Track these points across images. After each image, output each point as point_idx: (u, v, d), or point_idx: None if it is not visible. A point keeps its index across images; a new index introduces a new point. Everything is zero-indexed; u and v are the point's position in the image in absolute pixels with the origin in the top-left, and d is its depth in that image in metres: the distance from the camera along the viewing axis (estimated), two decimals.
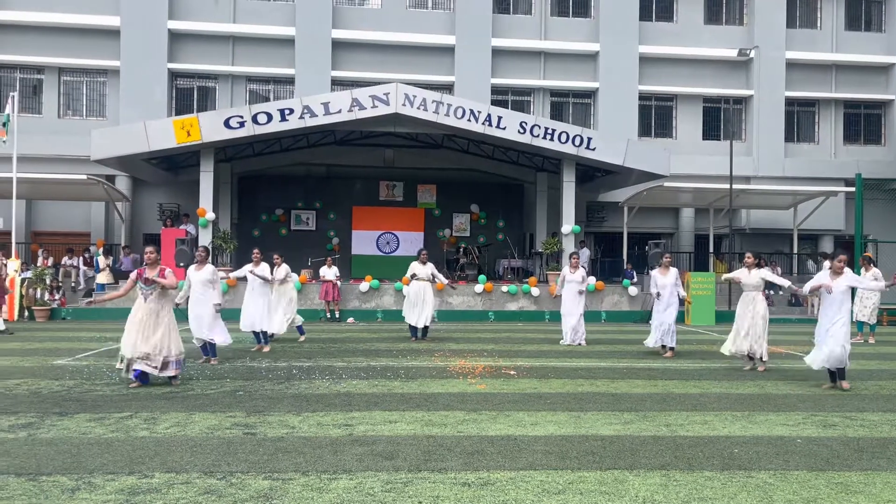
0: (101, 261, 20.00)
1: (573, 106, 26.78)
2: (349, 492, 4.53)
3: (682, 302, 12.44)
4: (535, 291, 19.53)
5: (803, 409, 7.42)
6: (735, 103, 27.27)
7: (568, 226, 20.36)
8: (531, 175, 23.95)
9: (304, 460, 5.23)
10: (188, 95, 25.21)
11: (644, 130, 26.68)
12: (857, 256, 16.14)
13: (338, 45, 24.97)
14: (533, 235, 24.00)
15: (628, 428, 6.39)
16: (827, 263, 16.51)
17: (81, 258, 21.44)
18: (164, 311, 8.36)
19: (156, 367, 8.15)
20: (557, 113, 26.42)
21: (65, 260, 21.37)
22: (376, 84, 19.81)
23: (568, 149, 19.44)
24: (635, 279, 20.75)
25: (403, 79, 22.64)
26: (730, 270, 21.78)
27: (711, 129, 27.26)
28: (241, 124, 18.21)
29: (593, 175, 23.24)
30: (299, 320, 13.34)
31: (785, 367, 10.59)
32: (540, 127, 19.28)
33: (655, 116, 27.07)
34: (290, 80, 25.17)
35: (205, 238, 19.07)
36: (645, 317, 18.73)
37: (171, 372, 8.31)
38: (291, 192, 24.29)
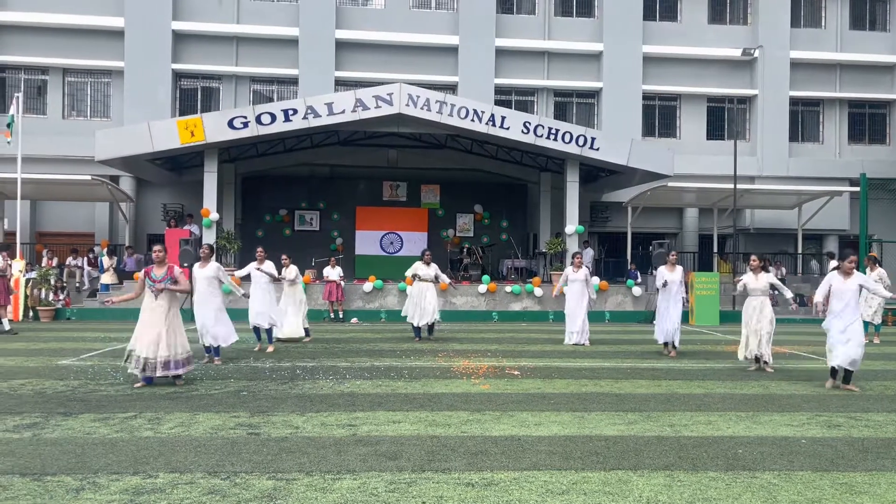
0: (106, 261, 20.05)
1: (577, 106, 26.76)
2: (353, 492, 4.53)
3: (685, 301, 12.43)
4: (538, 292, 19.52)
5: (808, 409, 7.40)
6: (739, 103, 27.23)
7: (571, 226, 20.34)
8: (535, 175, 23.93)
9: (308, 460, 5.23)
10: (192, 96, 25.25)
11: (648, 130, 26.66)
12: (862, 256, 16.08)
13: (341, 45, 25.00)
14: (536, 235, 23.98)
15: (632, 428, 6.38)
16: (833, 263, 16.53)
17: (86, 258, 21.50)
18: (172, 309, 8.40)
19: (163, 366, 8.18)
20: (561, 113, 26.40)
21: (69, 260, 21.43)
22: (380, 84, 19.82)
23: (571, 149, 19.42)
24: (639, 279, 20.72)
25: (407, 79, 22.66)
26: (733, 270, 21.81)
27: (715, 129, 27.21)
28: (245, 125, 18.23)
29: (597, 175, 23.21)
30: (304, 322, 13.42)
31: (789, 367, 10.57)
32: (543, 127, 19.26)
33: (659, 116, 27.04)
34: (293, 81, 25.19)
35: (208, 238, 19.08)
36: (649, 317, 18.71)
37: (178, 370, 8.34)
38: (295, 192, 24.31)
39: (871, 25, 27.70)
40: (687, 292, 16.41)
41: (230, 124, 18.24)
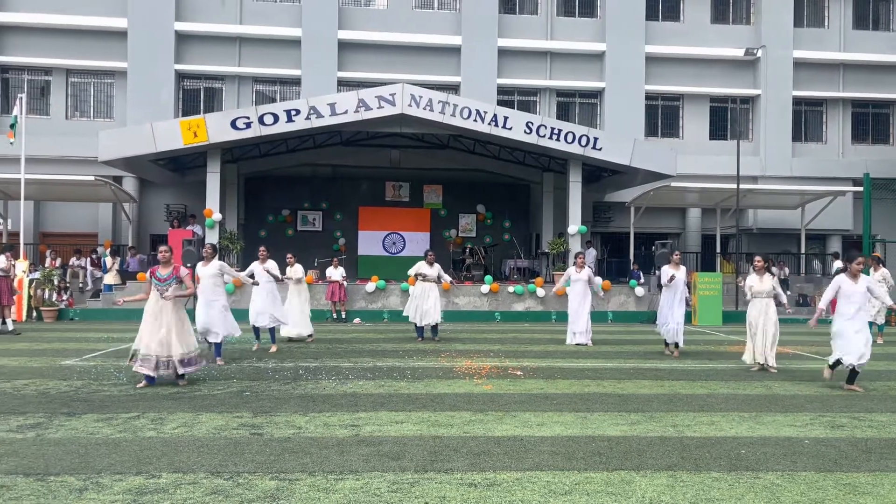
0: (109, 261, 20.08)
1: (579, 106, 26.74)
2: (356, 492, 4.54)
3: (687, 301, 12.42)
4: (541, 292, 19.50)
5: (811, 409, 7.39)
6: (742, 103, 27.20)
7: (574, 226, 20.33)
8: (537, 175, 23.93)
9: (311, 461, 5.24)
10: (195, 96, 25.28)
11: (650, 130, 26.64)
12: (866, 256, 16.03)
13: (344, 45, 25.01)
14: (539, 236, 23.97)
15: (635, 429, 6.38)
16: (837, 263, 16.50)
17: (89, 259, 21.53)
18: (178, 308, 8.43)
19: (180, 363, 8.22)
20: (564, 113, 26.39)
21: (73, 261, 21.47)
22: (382, 85, 19.83)
23: (574, 149, 19.41)
24: (642, 279, 20.70)
25: (409, 79, 22.66)
26: (737, 270, 21.76)
27: (718, 129, 27.18)
28: (248, 125, 18.24)
29: (600, 175, 23.20)
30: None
31: (792, 367, 10.55)
32: (546, 127, 19.25)
33: (662, 116, 27.02)
34: (296, 81, 25.21)
35: (211, 239, 19.10)
36: (653, 318, 18.69)
37: (189, 368, 8.37)
38: (298, 192, 24.32)
39: (874, 25, 27.65)
40: (690, 293, 16.37)
41: (233, 125, 18.26)
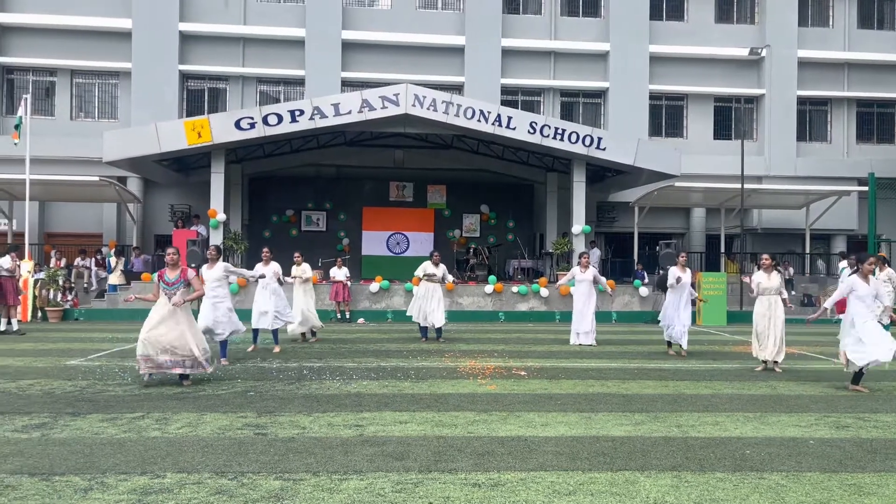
0: (114, 262, 20.13)
1: (583, 106, 26.73)
2: (360, 492, 4.54)
3: (693, 302, 12.39)
4: (545, 292, 19.49)
5: (816, 410, 7.37)
6: (746, 102, 27.15)
7: (578, 226, 20.31)
8: (541, 175, 23.92)
9: (315, 461, 5.24)
10: (199, 97, 25.34)
11: (655, 130, 26.62)
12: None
13: (348, 46, 25.04)
14: (543, 236, 23.96)
15: (639, 429, 6.37)
16: (844, 264, 16.44)
17: (94, 259, 21.58)
18: (184, 310, 8.44)
19: (171, 366, 8.24)
20: (567, 113, 26.38)
21: (77, 261, 21.52)
22: (386, 85, 19.84)
23: (578, 149, 19.40)
24: (646, 279, 20.68)
25: (413, 79, 22.70)
26: (741, 270, 21.72)
27: (722, 129, 27.15)
28: (252, 125, 18.27)
29: (604, 175, 23.19)
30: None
31: (797, 367, 10.53)
32: (550, 127, 19.24)
33: (666, 116, 26.99)
34: (300, 82, 25.25)
35: (216, 239, 19.15)
36: (656, 318, 18.67)
37: (200, 369, 8.39)
38: (302, 192, 24.35)
39: (879, 24, 27.58)
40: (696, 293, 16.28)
41: (237, 125, 18.29)
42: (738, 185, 21.24)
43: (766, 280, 10.21)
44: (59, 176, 21.19)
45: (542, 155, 21.92)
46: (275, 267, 12.10)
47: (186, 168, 22.48)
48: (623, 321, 19.16)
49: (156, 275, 8.58)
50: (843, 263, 16.46)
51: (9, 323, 14.57)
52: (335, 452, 5.47)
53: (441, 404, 7.36)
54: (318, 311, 13.79)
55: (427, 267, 13.79)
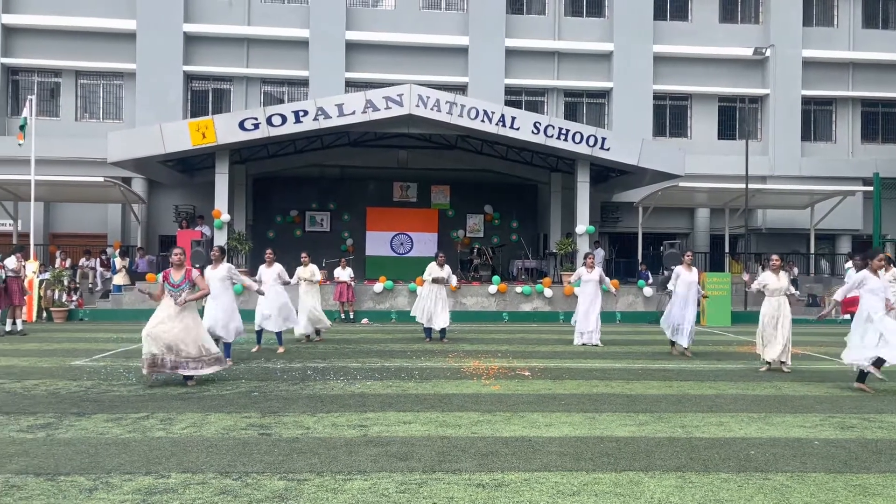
0: (118, 262, 20.17)
1: (587, 106, 26.71)
2: (364, 492, 4.54)
3: (698, 301, 12.37)
4: (549, 292, 19.48)
5: (821, 410, 7.36)
6: (751, 102, 27.11)
7: (582, 226, 20.29)
8: (545, 175, 23.90)
9: (319, 461, 5.24)
10: (203, 98, 25.38)
11: (659, 130, 26.58)
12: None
13: (351, 46, 25.06)
14: (547, 236, 23.94)
15: (643, 429, 6.36)
16: (849, 264, 16.39)
17: (98, 260, 21.64)
18: (189, 311, 8.45)
19: (177, 366, 8.25)
20: (571, 113, 26.36)
21: (82, 261, 21.58)
22: (390, 85, 19.85)
23: (582, 149, 19.38)
24: (650, 280, 20.65)
25: (417, 80, 22.69)
26: (746, 270, 21.68)
27: (727, 129, 27.10)
28: (256, 126, 18.30)
29: (608, 175, 23.16)
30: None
31: (802, 368, 10.50)
32: (554, 127, 19.23)
33: (670, 116, 26.95)
34: (304, 82, 25.28)
35: (220, 239, 19.17)
36: (660, 318, 18.64)
37: (199, 371, 8.39)
38: (306, 193, 24.37)
39: (883, 24, 27.51)
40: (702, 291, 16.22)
41: (241, 126, 18.31)
42: (743, 186, 21.20)
43: (774, 281, 10.19)
44: (63, 177, 21.25)
45: (545, 155, 21.89)
46: (278, 268, 12.10)
47: (191, 169, 22.52)
48: (627, 321, 19.14)
49: (160, 275, 8.59)
50: (849, 264, 16.42)
51: (13, 323, 14.62)
52: (339, 453, 5.47)
53: (445, 404, 7.36)
54: (323, 311, 13.81)
55: (433, 270, 13.75)
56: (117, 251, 20.76)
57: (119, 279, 19.87)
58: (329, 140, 22.24)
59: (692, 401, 7.78)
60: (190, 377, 8.43)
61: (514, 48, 25.60)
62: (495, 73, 25.26)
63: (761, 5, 26.95)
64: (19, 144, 18.77)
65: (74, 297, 18.96)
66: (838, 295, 8.92)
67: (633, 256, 24.02)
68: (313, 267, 13.65)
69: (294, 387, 8.41)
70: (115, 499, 4.39)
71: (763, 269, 22.11)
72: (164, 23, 24.11)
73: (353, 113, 18.39)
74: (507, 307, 19.44)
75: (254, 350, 11.87)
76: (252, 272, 14.26)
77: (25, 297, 15.57)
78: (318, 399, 7.64)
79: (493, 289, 19.44)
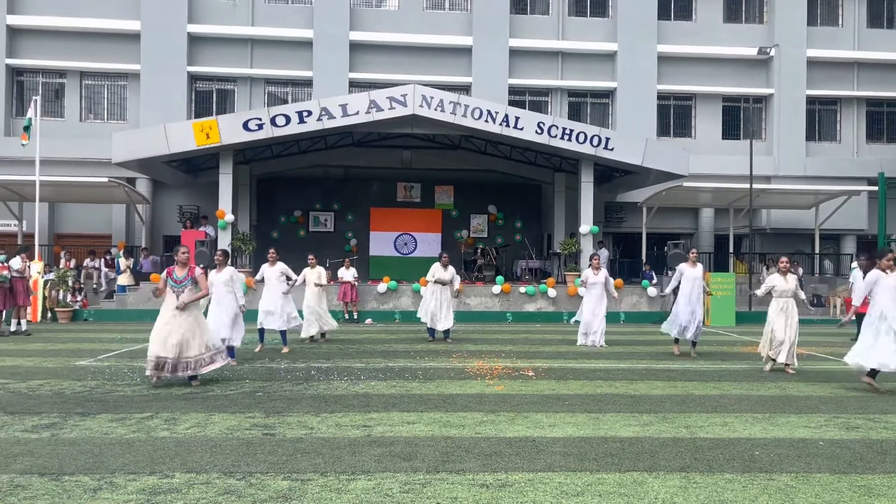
0: (123, 262, 20.21)
1: (591, 106, 26.68)
2: (367, 492, 4.54)
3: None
4: (552, 292, 19.47)
5: (825, 411, 7.34)
6: (755, 102, 27.05)
7: (586, 226, 20.27)
8: (549, 175, 23.88)
9: (323, 461, 5.25)
10: (207, 98, 25.42)
11: (663, 130, 26.54)
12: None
13: (355, 46, 25.07)
14: (551, 236, 23.92)
15: (647, 429, 6.35)
16: (855, 265, 16.34)
17: (103, 260, 21.67)
18: (193, 309, 8.48)
19: (186, 368, 8.27)
20: (575, 113, 26.34)
21: (87, 262, 21.61)
22: (394, 85, 19.86)
23: (586, 149, 19.36)
24: (654, 280, 20.62)
25: (421, 80, 22.69)
26: (750, 271, 21.64)
27: (731, 129, 27.04)
28: (260, 126, 18.32)
29: (611, 175, 23.13)
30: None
31: (807, 368, 10.48)
32: (557, 127, 19.22)
33: (674, 116, 26.91)
34: (308, 83, 25.30)
35: (224, 240, 19.20)
36: (664, 317, 18.60)
37: (203, 369, 8.41)
38: (309, 193, 24.39)
39: (888, 23, 27.42)
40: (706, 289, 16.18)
41: (245, 126, 18.34)
42: (747, 185, 21.15)
43: (782, 283, 10.18)
44: (68, 177, 21.28)
45: (549, 155, 21.88)
46: (281, 267, 12.10)
47: (195, 169, 22.55)
48: (631, 321, 19.12)
49: (164, 272, 8.61)
50: (855, 264, 16.38)
51: (18, 324, 14.66)
52: (343, 453, 5.47)
53: (449, 405, 7.36)
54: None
55: (437, 271, 13.74)
56: (121, 251, 20.81)
57: (123, 279, 19.91)
58: (333, 140, 22.26)
59: (696, 401, 7.77)
60: (194, 377, 8.45)
61: (517, 48, 25.58)
62: (499, 74, 25.25)
63: (765, 5, 26.89)
64: (23, 145, 18.81)
65: (79, 298, 18.99)
66: (856, 300, 8.86)
67: (637, 256, 23.98)
68: (320, 269, 13.68)
69: (298, 387, 8.41)
70: (119, 499, 4.40)
71: (767, 269, 22.15)
72: (168, 23, 24.15)
73: (357, 113, 18.40)
74: (510, 307, 19.43)
75: (256, 349, 11.89)
76: (255, 272, 14.26)
77: (30, 298, 15.60)
78: (322, 399, 7.64)
79: (496, 289, 19.43)
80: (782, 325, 10.00)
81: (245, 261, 19.98)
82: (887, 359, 8.26)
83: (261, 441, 5.82)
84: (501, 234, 24.84)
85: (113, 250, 22.28)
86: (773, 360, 10.11)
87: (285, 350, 11.85)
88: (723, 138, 26.84)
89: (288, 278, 12.13)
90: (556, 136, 19.09)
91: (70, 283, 18.77)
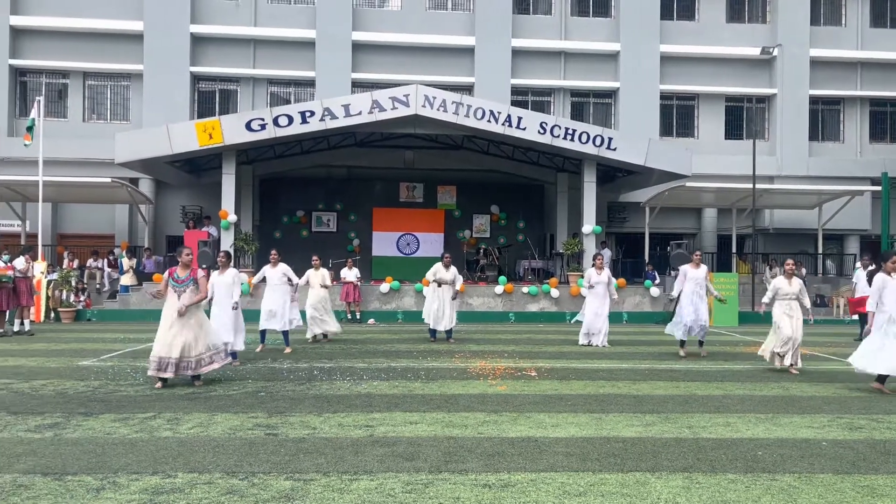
0: (126, 262, 20.24)
1: (594, 106, 26.66)
2: (370, 492, 4.54)
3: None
4: (555, 293, 19.46)
5: (829, 411, 7.32)
6: (758, 102, 27.00)
7: (589, 226, 20.26)
8: (551, 175, 23.87)
9: (326, 461, 5.25)
10: (210, 98, 25.44)
11: (665, 130, 26.51)
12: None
13: (358, 47, 25.08)
14: (553, 236, 23.91)
15: (650, 430, 6.35)
16: (858, 265, 16.32)
17: (106, 260, 21.71)
18: (196, 311, 8.48)
19: (188, 368, 8.28)
20: (578, 113, 26.32)
21: (90, 262, 21.65)
22: (396, 86, 19.85)
23: (588, 149, 19.35)
24: (657, 280, 20.60)
25: (423, 80, 22.70)
26: (753, 271, 21.61)
27: (734, 129, 27.01)
28: (263, 127, 18.33)
29: (614, 175, 23.12)
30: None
31: (810, 368, 10.46)
32: (560, 127, 19.21)
33: (677, 116, 26.88)
34: (310, 83, 25.32)
35: (227, 240, 19.22)
36: (668, 318, 18.58)
37: (205, 369, 8.42)
38: (312, 193, 24.41)
39: (892, 23, 27.35)
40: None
41: (248, 126, 18.35)
42: (750, 185, 21.13)
43: (786, 286, 10.18)
44: (71, 177, 21.33)
45: (552, 155, 21.87)
46: (283, 268, 12.10)
47: (198, 169, 22.58)
48: (634, 322, 19.10)
49: (166, 272, 8.61)
50: (859, 264, 16.35)
51: (21, 324, 14.69)
52: (345, 453, 5.48)
53: (451, 405, 7.36)
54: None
55: (438, 270, 13.73)
56: (125, 252, 20.83)
57: (126, 280, 19.94)
58: (335, 140, 22.27)
59: (699, 401, 7.76)
60: (197, 377, 8.46)
61: (520, 48, 25.58)
62: (501, 74, 25.24)
63: (768, 5, 26.85)
64: (26, 145, 18.85)
65: (82, 298, 19.02)
66: (871, 305, 8.78)
67: (639, 256, 23.97)
68: (324, 271, 13.68)
69: (300, 387, 8.42)
70: (122, 498, 4.41)
71: (770, 269, 22.12)
72: (171, 24, 24.18)
73: (360, 113, 18.41)
74: (513, 307, 19.43)
75: (258, 350, 11.89)
76: (258, 272, 14.26)
77: (33, 298, 15.63)
78: (325, 399, 7.65)
79: (499, 289, 19.43)
80: (789, 322, 10.00)
81: (248, 261, 19.99)
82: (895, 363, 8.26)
83: (263, 441, 5.83)
84: (504, 234, 24.84)
85: (116, 250, 22.30)
86: (782, 357, 10.05)
87: (288, 350, 11.86)
88: (726, 138, 26.81)
89: (290, 280, 12.12)
90: (558, 136, 19.09)
91: (73, 284, 18.80)
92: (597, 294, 13.19)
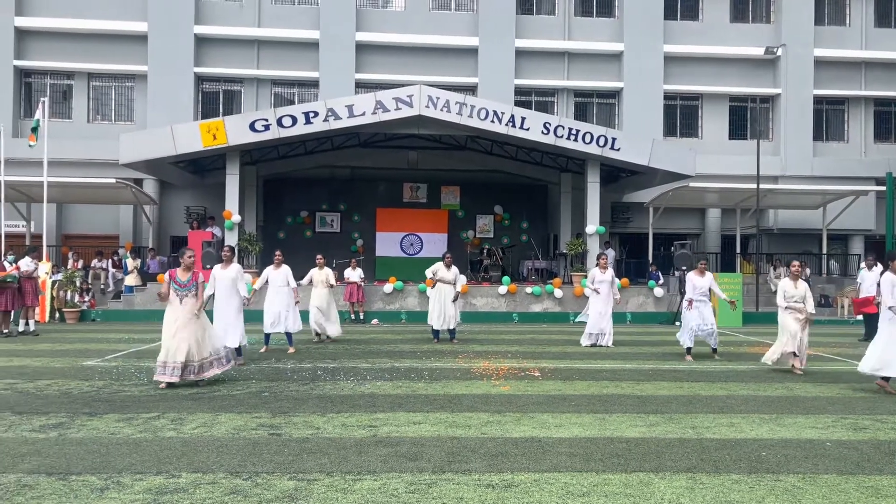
0: (130, 263, 20.28)
1: (597, 106, 26.64)
2: (373, 492, 4.55)
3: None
4: (559, 293, 19.44)
5: (833, 411, 7.31)
6: (762, 102, 26.96)
7: (592, 226, 20.24)
8: (555, 176, 23.86)
9: (329, 461, 5.25)
10: (214, 99, 25.49)
11: (669, 130, 26.48)
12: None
13: (361, 47, 25.10)
14: (557, 236, 23.90)
15: (654, 430, 6.34)
16: (862, 265, 16.27)
17: (110, 260, 21.76)
18: (200, 315, 8.49)
19: (192, 373, 8.29)
20: (581, 113, 26.30)
21: (94, 262, 21.71)
22: (400, 86, 19.86)
23: (592, 149, 19.33)
24: (661, 280, 20.57)
25: (427, 80, 22.70)
26: (757, 271, 21.56)
27: (738, 129, 26.97)
28: (266, 127, 18.36)
29: (618, 175, 23.09)
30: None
31: (814, 369, 10.44)
32: (564, 127, 19.19)
33: (681, 116, 26.85)
34: (314, 83, 25.34)
35: (231, 240, 19.24)
36: (671, 318, 18.57)
37: (207, 374, 8.44)
38: (316, 194, 24.44)
39: None
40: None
41: (252, 127, 18.38)
42: (754, 186, 21.08)
43: (791, 288, 10.15)
44: (76, 178, 21.37)
45: (556, 155, 21.86)
46: (286, 270, 12.10)
47: (202, 170, 22.61)
48: (637, 322, 19.08)
49: (167, 274, 8.59)
50: (863, 264, 16.31)
51: (26, 324, 14.73)
52: (349, 453, 5.48)
53: (455, 405, 7.36)
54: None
55: (438, 269, 13.72)
56: (129, 252, 20.87)
57: (131, 280, 19.98)
58: (339, 141, 22.29)
59: (703, 402, 7.75)
60: (201, 378, 8.47)
61: (523, 49, 25.57)
62: (505, 74, 25.24)
63: (773, 4, 26.80)
64: (30, 146, 18.91)
65: (86, 298, 19.07)
66: (893, 302, 8.70)
67: (643, 257, 23.94)
68: (328, 270, 13.67)
69: (304, 387, 8.43)
70: (125, 498, 4.42)
71: (775, 269, 22.08)
72: (175, 25, 24.23)
73: (363, 114, 18.43)
74: (517, 308, 19.42)
75: (262, 350, 11.90)
76: (262, 273, 14.28)
77: (38, 298, 15.67)
78: (328, 399, 7.66)
79: (503, 289, 19.42)
80: (793, 326, 9.97)
81: (252, 261, 20.02)
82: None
83: (267, 441, 5.83)
84: (507, 234, 24.84)
85: (120, 251, 22.36)
86: (796, 356, 10.00)
87: (291, 350, 11.87)
88: (729, 138, 26.77)
89: (289, 283, 12.05)
90: (562, 137, 19.08)
91: (78, 284, 18.84)
92: (601, 294, 13.16)
